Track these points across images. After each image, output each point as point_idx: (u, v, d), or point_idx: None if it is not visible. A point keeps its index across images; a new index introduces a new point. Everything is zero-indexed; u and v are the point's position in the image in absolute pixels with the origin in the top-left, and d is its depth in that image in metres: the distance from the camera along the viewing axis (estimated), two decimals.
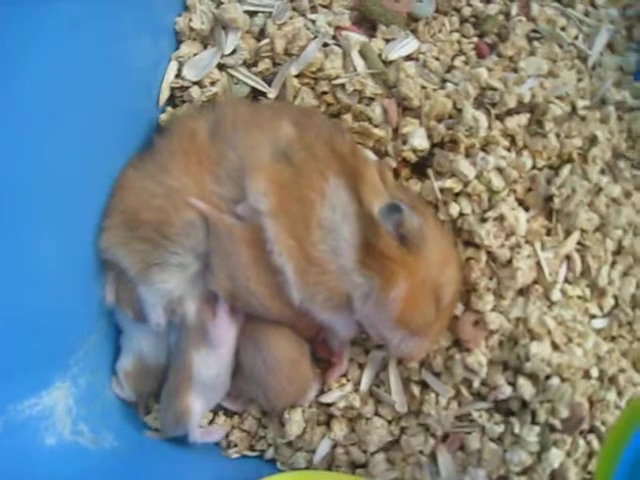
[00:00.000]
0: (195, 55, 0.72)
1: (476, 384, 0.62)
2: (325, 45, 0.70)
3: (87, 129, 0.59)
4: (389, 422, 0.66)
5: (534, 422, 0.61)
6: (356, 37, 0.70)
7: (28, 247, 0.55)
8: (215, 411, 0.70)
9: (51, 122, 0.54)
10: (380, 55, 0.70)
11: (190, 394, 0.64)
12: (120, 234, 0.62)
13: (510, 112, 0.66)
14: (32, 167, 0.53)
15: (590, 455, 0.63)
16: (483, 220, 0.63)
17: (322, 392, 0.67)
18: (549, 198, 0.65)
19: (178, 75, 0.72)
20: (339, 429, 0.66)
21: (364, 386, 0.66)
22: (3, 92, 0.49)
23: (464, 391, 0.63)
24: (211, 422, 0.70)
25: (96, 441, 0.63)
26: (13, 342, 0.55)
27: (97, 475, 0.61)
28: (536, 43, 0.71)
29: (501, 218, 0.62)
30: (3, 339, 0.54)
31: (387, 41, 0.72)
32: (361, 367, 0.67)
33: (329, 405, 0.66)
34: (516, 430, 0.61)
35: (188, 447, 0.67)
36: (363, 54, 0.70)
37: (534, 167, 0.66)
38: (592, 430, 0.63)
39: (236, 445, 0.70)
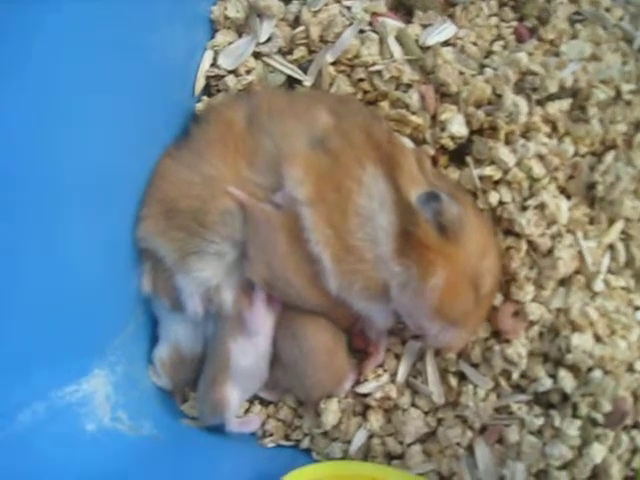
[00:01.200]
0: (230, 44, 0.72)
1: (515, 376, 0.61)
2: (361, 32, 0.70)
3: (123, 119, 0.59)
4: (426, 413, 0.66)
5: (575, 416, 0.60)
6: (392, 23, 0.70)
7: (66, 237, 0.56)
8: (251, 400, 0.70)
9: (86, 113, 0.54)
10: (417, 41, 0.69)
11: (227, 384, 0.65)
12: (157, 223, 0.63)
13: (551, 97, 0.64)
14: (69, 158, 0.54)
15: (634, 451, 0.61)
16: (523, 208, 0.62)
17: (358, 382, 0.67)
18: (592, 186, 0.63)
19: (213, 64, 0.72)
20: (375, 420, 0.66)
21: (401, 377, 0.66)
22: (38, 85, 0.49)
23: (503, 383, 0.62)
24: (247, 411, 0.70)
25: (134, 428, 0.64)
26: (52, 331, 0.56)
27: (136, 461, 0.61)
28: (579, 25, 0.69)
29: (542, 206, 0.61)
30: (43, 328, 0.55)
31: (424, 27, 0.71)
32: (398, 357, 0.67)
33: (365, 395, 0.66)
34: (556, 423, 0.59)
35: (224, 435, 0.67)
36: (400, 40, 0.69)
37: (576, 154, 0.64)
38: (636, 425, 0.61)
39: (271, 434, 0.70)
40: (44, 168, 0.52)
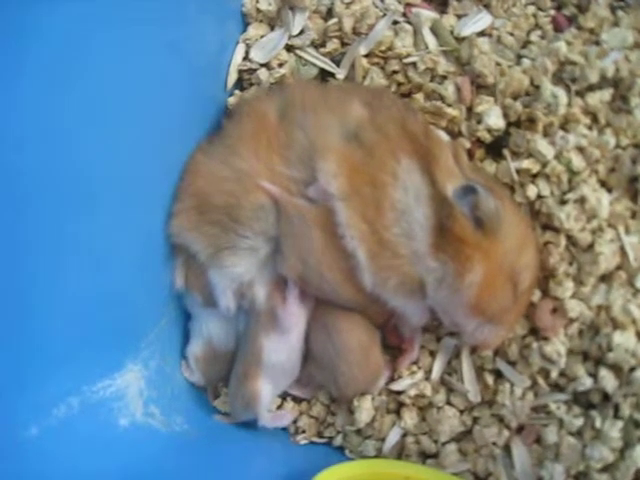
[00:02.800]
0: (262, 37, 0.72)
1: (554, 374, 0.60)
2: (395, 23, 0.69)
3: (155, 114, 0.60)
4: (461, 412, 0.65)
5: (617, 416, 0.58)
6: (427, 13, 0.69)
7: (99, 233, 0.56)
8: (283, 397, 0.70)
9: (117, 109, 0.54)
10: (452, 32, 0.68)
11: (259, 379, 0.64)
12: (190, 218, 0.63)
13: (592, 88, 0.62)
14: (101, 155, 0.54)
15: None
16: (563, 202, 0.60)
17: (392, 379, 0.66)
18: (634, 179, 0.61)
19: (246, 57, 0.72)
20: (409, 418, 0.65)
21: (435, 374, 0.65)
22: (71, 80, 0.50)
23: (541, 381, 0.61)
24: (279, 407, 0.70)
25: (167, 424, 0.64)
26: (87, 326, 0.56)
27: (168, 457, 0.61)
28: (620, 12, 0.67)
29: (582, 200, 0.60)
30: (78, 324, 0.55)
31: (459, 17, 0.70)
32: (432, 355, 0.66)
33: (399, 393, 0.65)
34: (597, 424, 0.58)
35: (257, 432, 0.67)
36: (434, 31, 0.68)
37: (618, 146, 0.62)
38: None
39: (304, 431, 0.69)
40: (74, 165, 0.52)
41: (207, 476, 0.61)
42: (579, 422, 0.59)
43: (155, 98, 0.59)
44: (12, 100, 0.46)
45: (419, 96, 0.66)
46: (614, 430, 0.57)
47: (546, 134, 0.62)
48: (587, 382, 0.59)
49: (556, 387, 0.61)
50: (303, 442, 0.69)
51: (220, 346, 0.68)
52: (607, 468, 0.58)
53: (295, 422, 0.70)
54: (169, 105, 0.62)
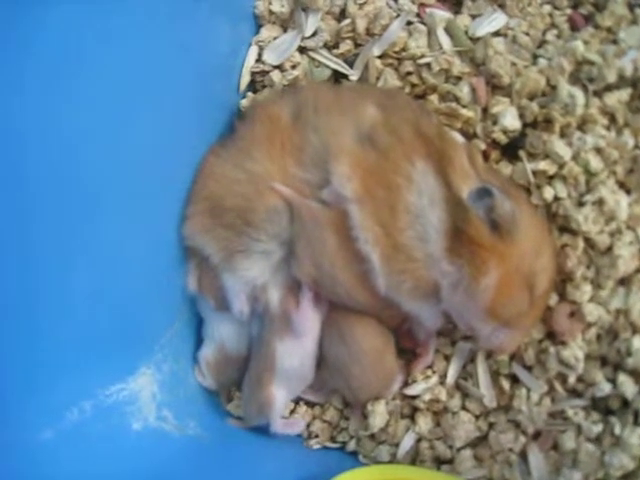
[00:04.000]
0: (275, 39, 0.71)
1: (572, 380, 0.59)
2: (409, 23, 0.68)
3: (167, 117, 0.59)
4: (477, 417, 0.64)
5: (637, 423, 0.57)
6: (441, 14, 0.68)
7: (112, 235, 0.56)
8: (296, 401, 0.70)
9: (131, 110, 0.54)
10: (467, 32, 0.67)
11: (273, 384, 0.64)
12: (204, 221, 0.62)
13: (610, 87, 0.61)
14: (113, 156, 0.54)
15: None
16: (580, 204, 0.59)
17: (406, 384, 0.65)
18: None
19: (258, 59, 0.71)
20: (424, 423, 0.64)
21: (450, 379, 0.64)
22: (76, 82, 0.49)
23: (558, 387, 0.60)
24: (292, 412, 0.69)
25: (179, 428, 0.64)
26: (101, 330, 0.56)
27: (181, 461, 0.61)
28: (638, 11, 0.66)
29: (600, 202, 0.59)
30: (91, 326, 0.55)
31: (473, 17, 0.69)
32: (447, 359, 0.65)
33: (414, 397, 0.65)
34: (616, 431, 0.57)
35: (270, 436, 0.66)
36: (449, 31, 0.67)
37: (636, 146, 0.61)
38: None
39: (317, 436, 0.69)
40: (86, 169, 0.52)
41: None
42: (598, 428, 0.58)
43: (166, 100, 0.59)
44: (16, 101, 0.46)
45: (433, 97, 0.65)
46: (634, 437, 0.56)
47: (563, 135, 0.61)
48: (606, 388, 0.58)
49: (574, 392, 0.60)
50: (316, 447, 0.69)
51: (232, 351, 0.68)
52: (627, 476, 0.57)
53: (308, 427, 0.69)
54: (181, 107, 0.62)
